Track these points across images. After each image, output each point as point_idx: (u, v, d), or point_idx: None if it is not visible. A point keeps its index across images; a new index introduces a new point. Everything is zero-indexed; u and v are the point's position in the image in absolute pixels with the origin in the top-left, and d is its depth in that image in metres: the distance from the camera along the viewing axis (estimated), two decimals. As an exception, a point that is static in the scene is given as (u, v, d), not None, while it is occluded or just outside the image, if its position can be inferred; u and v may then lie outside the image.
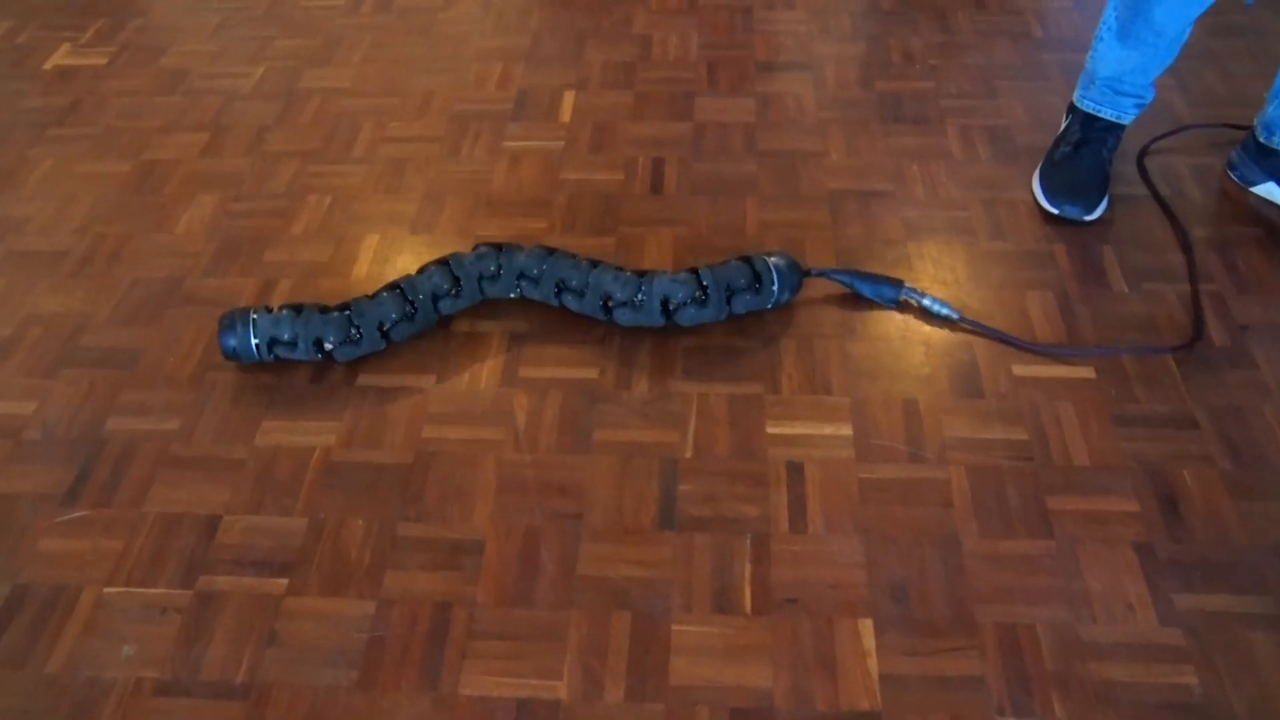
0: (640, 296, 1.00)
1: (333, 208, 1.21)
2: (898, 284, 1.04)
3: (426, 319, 1.03)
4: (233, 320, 1.00)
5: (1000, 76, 1.36)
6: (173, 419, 0.99)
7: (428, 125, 1.33)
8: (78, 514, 0.93)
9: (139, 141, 1.34)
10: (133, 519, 0.91)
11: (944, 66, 1.38)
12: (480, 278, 1.04)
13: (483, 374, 1.01)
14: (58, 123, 1.38)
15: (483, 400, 0.99)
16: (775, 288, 1.02)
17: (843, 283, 1.06)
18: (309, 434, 0.97)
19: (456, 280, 1.02)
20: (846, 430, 0.95)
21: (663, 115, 1.32)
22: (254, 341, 1.00)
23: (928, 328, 1.04)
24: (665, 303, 1.00)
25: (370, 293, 1.03)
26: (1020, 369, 0.99)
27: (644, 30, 1.48)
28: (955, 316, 1.03)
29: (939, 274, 1.09)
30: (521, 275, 1.04)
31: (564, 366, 1.02)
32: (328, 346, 0.99)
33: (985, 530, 0.87)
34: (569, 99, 1.36)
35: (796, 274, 1.04)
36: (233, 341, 1.00)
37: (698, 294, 1.00)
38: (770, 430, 0.95)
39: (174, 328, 1.08)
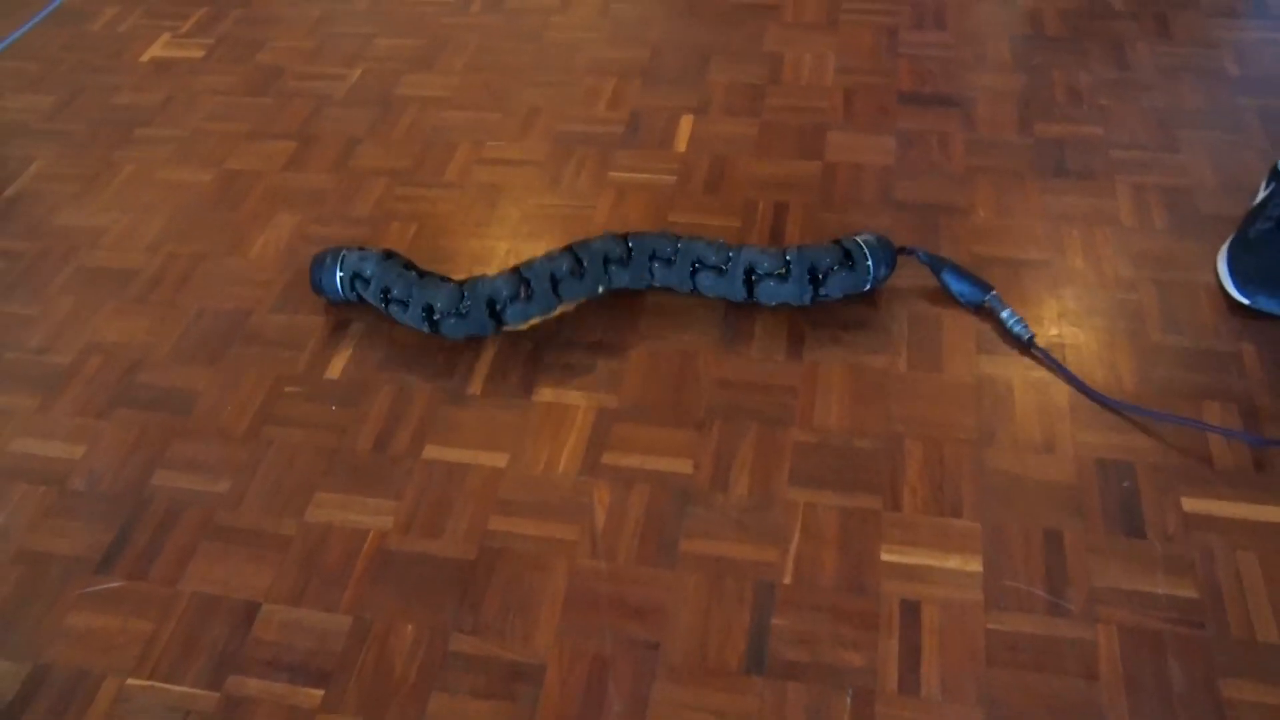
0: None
1: (417, 238, 1.11)
2: (986, 288, 0.97)
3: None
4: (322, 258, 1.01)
5: (1184, 124, 1.18)
6: (223, 479, 0.90)
7: (529, 147, 1.21)
8: (111, 584, 0.84)
9: (224, 148, 1.25)
10: (167, 597, 0.83)
11: (1116, 109, 1.20)
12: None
13: (562, 456, 0.90)
14: (146, 122, 1.31)
15: (559, 489, 0.88)
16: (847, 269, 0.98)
17: (930, 267, 0.99)
18: (365, 512, 0.87)
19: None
20: (975, 565, 0.81)
21: (789, 151, 1.18)
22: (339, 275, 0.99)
23: (1083, 437, 0.88)
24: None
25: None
26: (1192, 504, 0.83)
27: (775, 48, 1.33)
28: (1025, 337, 0.94)
29: (1098, 369, 0.93)
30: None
31: (654, 455, 0.89)
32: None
33: (1139, 714, 0.72)
34: (686, 125, 1.22)
35: (886, 250, 0.98)
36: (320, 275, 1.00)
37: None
38: (885, 557, 0.81)
39: (235, 370, 0.99)
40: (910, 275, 1.02)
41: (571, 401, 0.94)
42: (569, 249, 0.97)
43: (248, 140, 1.26)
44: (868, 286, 0.98)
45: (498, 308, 0.96)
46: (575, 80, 1.30)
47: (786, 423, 0.91)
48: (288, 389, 0.97)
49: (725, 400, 0.93)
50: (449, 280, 0.97)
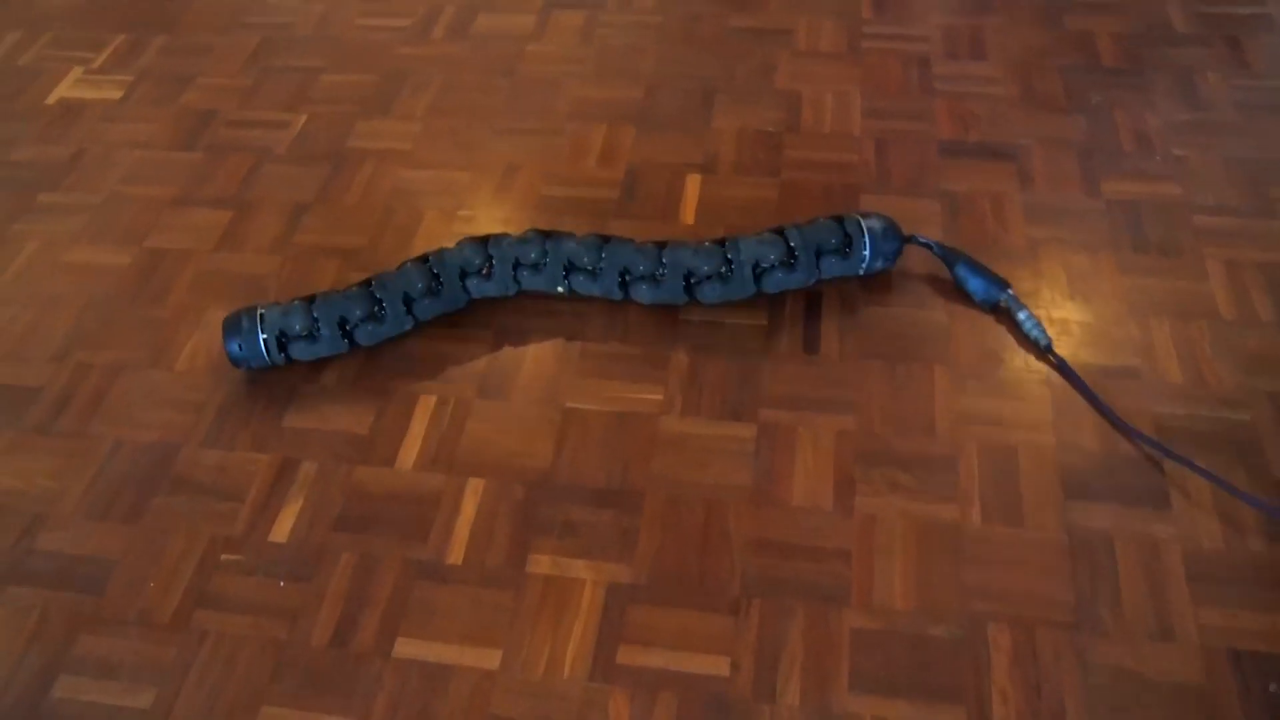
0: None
1: (380, 346, 0.92)
2: (1003, 285, 0.89)
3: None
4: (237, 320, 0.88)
5: (1276, 180, 1.00)
6: (144, 689, 0.72)
7: (508, 216, 1.03)
8: None
9: (145, 219, 1.05)
10: None
11: (1194, 160, 1.03)
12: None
13: (567, 652, 0.72)
14: (53, 185, 1.10)
15: (566, 700, 0.70)
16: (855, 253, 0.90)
17: (944, 260, 0.92)
18: (323, 736, 0.70)
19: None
20: (1094, 803, 0.64)
21: (816, 221, 1.00)
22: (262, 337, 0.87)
23: (1207, 617, 0.72)
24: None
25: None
26: (1351, 710, 0.67)
27: (790, 84, 1.14)
28: (1043, 343, 0.86)
29: (1216, 524, 0.76)
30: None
31: (681, 650, 0.72)
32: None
33: None
34: (693, 187, 1.04)
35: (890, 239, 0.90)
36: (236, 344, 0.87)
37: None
38: (980, 795, 0.65)
39: (158, 530, 0.81)
40: (969, 386, 0.85)
41: (575, 574, 0.76)
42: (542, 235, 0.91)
43: (173, 208, 1.06)
44: (860, 272, 0.92)
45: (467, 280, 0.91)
46: (558, 127, 1.11)
47: (841, 600, 0.74)
48: (224, 557, 0.79)
49: (764, 568, 0.76)
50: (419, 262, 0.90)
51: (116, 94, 1.21)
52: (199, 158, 1.12)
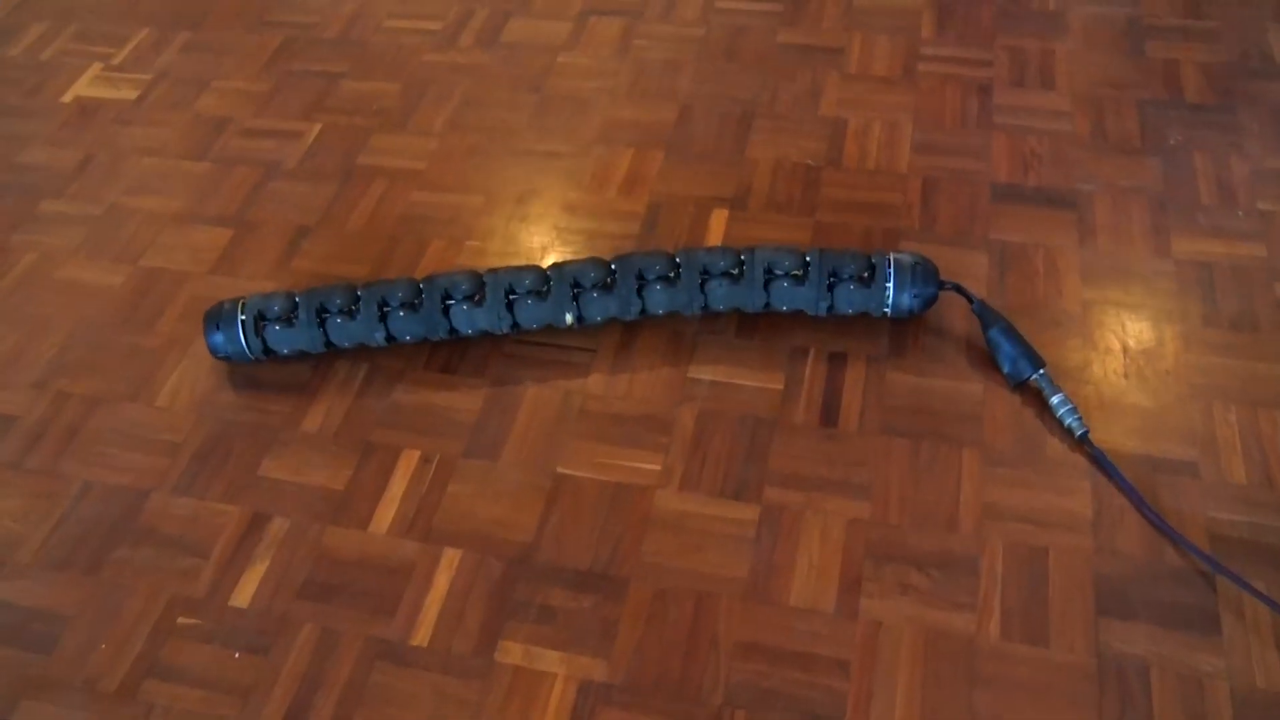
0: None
1: (366, 389, 0.86)
2: (1038, 363, 0.79)
3: None
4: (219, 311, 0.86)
5: (1374, 245, 0.89)
6: (82, 765, 0.68)
7: (517, 248, 0.96)
8: None
9: (145, 234, 1.01)
10: None
11: (1282, 216, 0.92)
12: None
13: (528, 760, 0.66)
14: (58, 191, 1.07)
15: (521, 817, 0.64)
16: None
17: (980, 319, 0.82)
18: (260, 837, 0.64)
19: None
20: None
21: (849, 269, 0.91)
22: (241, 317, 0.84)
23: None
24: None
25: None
26: None
27: (836, 110, 1.05)
28: (1077, 432, 0.77)
29: (1271, 657, 0.67)
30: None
31: (652, 767, 0.65)
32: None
33: None
34: (718, 224, 0.96)
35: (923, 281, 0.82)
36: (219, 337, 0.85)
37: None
38: None
39: (118, 585, 0.76)
40: (1001, 474, 0.77)
41: (546, 666, 0.70)
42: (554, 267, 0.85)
43: (175, 225, 1.02)
44: (886, 311, 0.82)
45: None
46: (582, 150, 1.04)
47: (835, 722, 0.66)
48: (181, 620, 0.74)
49: (751, 676, 0.68)
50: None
51: (133, 94, 1.17)
52: (207, 168, 1.07)
